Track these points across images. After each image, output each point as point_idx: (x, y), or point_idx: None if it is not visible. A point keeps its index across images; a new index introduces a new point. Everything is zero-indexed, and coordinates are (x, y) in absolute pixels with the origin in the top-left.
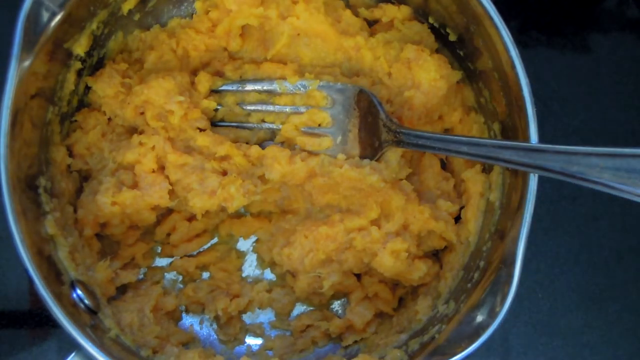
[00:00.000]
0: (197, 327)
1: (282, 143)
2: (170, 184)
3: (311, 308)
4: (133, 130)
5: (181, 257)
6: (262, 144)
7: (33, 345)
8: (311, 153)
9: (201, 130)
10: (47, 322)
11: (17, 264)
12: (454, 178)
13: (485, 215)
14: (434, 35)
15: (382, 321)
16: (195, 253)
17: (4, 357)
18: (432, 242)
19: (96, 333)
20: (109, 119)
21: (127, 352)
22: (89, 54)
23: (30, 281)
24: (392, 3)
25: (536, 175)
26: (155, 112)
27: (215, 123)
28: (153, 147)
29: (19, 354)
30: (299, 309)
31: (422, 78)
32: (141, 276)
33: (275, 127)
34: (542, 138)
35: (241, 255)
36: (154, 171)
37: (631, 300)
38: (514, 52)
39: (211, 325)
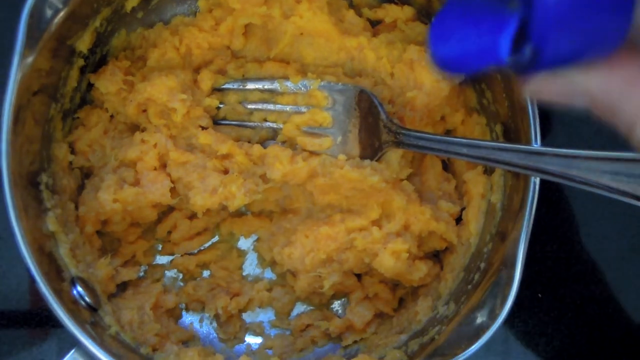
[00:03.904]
0: (197, 325)
1: (284, 142)
2: (172, 181)
3: (311, 308)
4: (135, 128)
5: (182, 255)
6: (264, 143)
7: (33, 345)
8: (312, 153)
9: (203, 128)
10: (47, 322)
11: (17, 264)
12: (455, 179)
13: (487, 217)
14: None
15: (382, 321)
16: (196, 251)
17: (4, 357)
18: (433, 242)
19: (96, 330)
20: (111, 116)
21: (127, 350)
22: (91, 51)
23: (31, 281)
24: (396, 3)
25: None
26: (157, 110)
27: (217, 121)
28: (155, 145)
29: (19, 354)
30: (299, 308)
31: (425, 79)
32: (142, 274)
33: (276, 126)
34: (544, 140)
35: (242, 254)
36: (155, 169)
37: (631, 300)
38: None
39: (211, 323)
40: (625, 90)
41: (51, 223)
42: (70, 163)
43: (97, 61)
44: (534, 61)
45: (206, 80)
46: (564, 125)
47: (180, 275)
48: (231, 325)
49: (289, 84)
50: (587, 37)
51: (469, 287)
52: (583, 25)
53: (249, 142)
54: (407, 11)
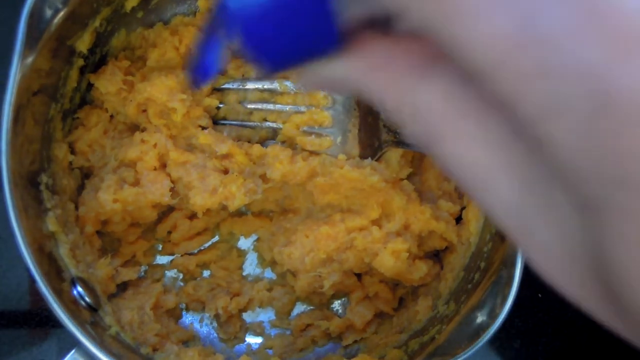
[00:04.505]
0: (197, 325)
1: (284, 142)
2: (172, 181)
3: (311, 307)
4: (135, 128)
5: (182, 255)
6: (264, 143)
7: (33, 345)
8: (312, 153)
9: (203, 128)
10: (47, 322)
11: (17, 264)
12: None
13: (487, 216)
14: None
15: (382, 321)
16: (196, 251)
17: (4, 357)
18: (433, 242)
19: (96, 330)
20: (111, 116)
21: (127, 350)
22: (91, 51)
23: (31, 281)
24: None
25: None
26: (157, 110)
27: (217, 121)
28: (155, 145)
29: (19, 354)
30: (299, 308)
31: None
32: (142, 274)
33: (276, 126)
34: None
35: (242, 253)
36: (155, 169)
37: None
38: None
39: (211, 323)
40: (367, 75)
41: (51, 223)
42: (70, 163)
43: (97, 61)
44: (264, 66)
45: None
46: None
47: (181, 275)
48: (231, 325)
49: (288, 83)
50: (294, 43)
51: (469, 286)
52: (284, 35)
53: (249, 142)
54: None
